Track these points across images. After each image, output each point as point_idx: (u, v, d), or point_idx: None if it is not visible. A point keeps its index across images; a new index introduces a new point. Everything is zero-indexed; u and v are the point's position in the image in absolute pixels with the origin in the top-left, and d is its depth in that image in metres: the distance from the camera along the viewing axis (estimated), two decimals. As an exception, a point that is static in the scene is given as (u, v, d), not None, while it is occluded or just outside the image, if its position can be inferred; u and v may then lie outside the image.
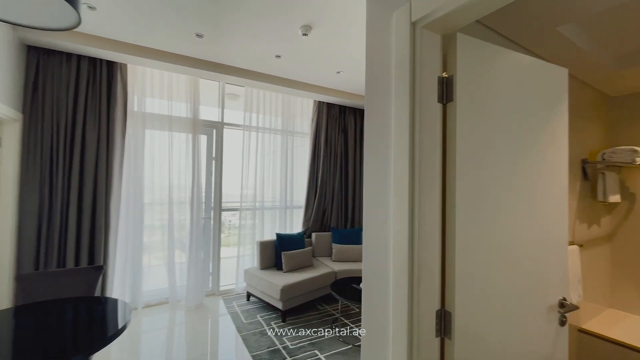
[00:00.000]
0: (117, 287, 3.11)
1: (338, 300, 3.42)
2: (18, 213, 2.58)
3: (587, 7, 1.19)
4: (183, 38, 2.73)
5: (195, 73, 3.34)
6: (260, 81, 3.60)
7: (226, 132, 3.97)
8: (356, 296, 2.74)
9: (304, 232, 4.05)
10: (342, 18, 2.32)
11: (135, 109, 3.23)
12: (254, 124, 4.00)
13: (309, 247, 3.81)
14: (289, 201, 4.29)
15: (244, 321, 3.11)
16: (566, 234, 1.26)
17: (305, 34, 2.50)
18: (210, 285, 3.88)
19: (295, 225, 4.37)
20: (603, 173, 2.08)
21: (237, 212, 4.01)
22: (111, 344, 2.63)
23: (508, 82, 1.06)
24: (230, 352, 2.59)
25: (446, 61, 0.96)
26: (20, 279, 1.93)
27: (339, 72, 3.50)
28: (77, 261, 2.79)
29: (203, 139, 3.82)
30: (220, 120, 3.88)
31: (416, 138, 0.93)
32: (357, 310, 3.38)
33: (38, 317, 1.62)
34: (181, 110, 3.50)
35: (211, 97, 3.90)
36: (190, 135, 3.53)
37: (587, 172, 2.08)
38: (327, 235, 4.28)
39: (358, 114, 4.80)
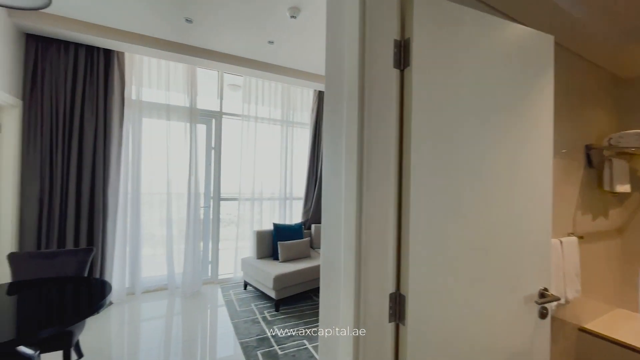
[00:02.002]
0: (116, 272, 3.18)
1: (333, 291, 3.38)
2: (19, 198, 2.67)
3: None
4: (174, 24, 2.72)
5: (189, 61, 3.34)
6: (257, 69, 3.56)
7: (225, 122, 3.97)
8: (347, 287, 2.68)
9: (303, 224, 4.02)
10: (332, -1, 2.24)
11: (133, 98, 3.27)
12: (252, 114, 3.98)
13: (307, 238, 3.78)
14: (289, 192, 4.26)
15: (238, 309, 3.12)
16: (549, 224, 1.15)
17: (293, 16, 2.42)
18: (209, 274, 3.92)
19: (294, 217, 4.34)
20: (610, 160, 1.92)
21: (236, 202, 4.02)
22: (107, 327, 2.70)
23: (479, 50, 0.97)
24: (219, 338, 2.60)
25: (404, 23, 0.88)
26: (12, 259, 1.99)
27: (336, 59, 3.41)
28: (76, 245, 2.87)
29: (201, 128, 3.84)
30: (219, 110, 3.88)
31: (367, 107, 0.86)
32: (353, 302, 3.32)
33: (28, 292, 1.66)
34: (179, 99, 3.52)
35: (211, 87, 3.90)
36: (188, 125, 3.55)
37: (592, 159, 1.92)
38: (326, 226, 4.23)
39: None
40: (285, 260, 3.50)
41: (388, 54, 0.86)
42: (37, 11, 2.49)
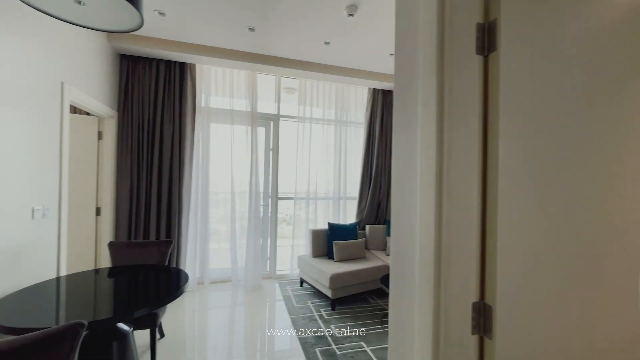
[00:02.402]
0: (189, 263, 3.53)
1: (388, 294, 3.27)
2: (115, 196, 3.13)
3: None
4: (238, 32, 2.92)
5: (251, 67, 3.54)
6: (312, 71, 3.62)
7: (282, 124, 4.13)
8: (407, 291, 2.57)
9: (357, 224, 3.97)
10: (391, -8, 2.16)
11: (202, 105, 3.59)
12: (308, 115, 4.07)
13: (362, 239, 3.73)
14: (343, 192, 4.25)
15: (295, 305, 3.22)
16: None
17: (351, 15, 2.40)
18: (267, 269, 4.12)
19: (348, 217, 4.32)
20: None
21: (292, 202, 4.15)
22: (182, 312, 3.00)
23: (590, 29, 0.82)
24: (278, 331, 2.70)
25: (488, 5, 0.79)
26: (111, 246, 2.33)
27: (391, 54, 3.30)
28: (157, 236, 3.26)
29: (261, 131, 4.05)
30: (276, 113, 4.05)
31: (447, 101, 0.79)
32: (411, 307, 3.18)
33: (123, 277, 1.94)
34: (241, 104, 3.77)
35: (268, 91, 4.10)
36: (249, 128, 3.77)
37: None
38: (381, 228, 4.12)
39: (418, 100, 4.46)
40: (341, 260, 3.49)
41: (470, 40, 0.79)
42: (130, 34, 2.88)
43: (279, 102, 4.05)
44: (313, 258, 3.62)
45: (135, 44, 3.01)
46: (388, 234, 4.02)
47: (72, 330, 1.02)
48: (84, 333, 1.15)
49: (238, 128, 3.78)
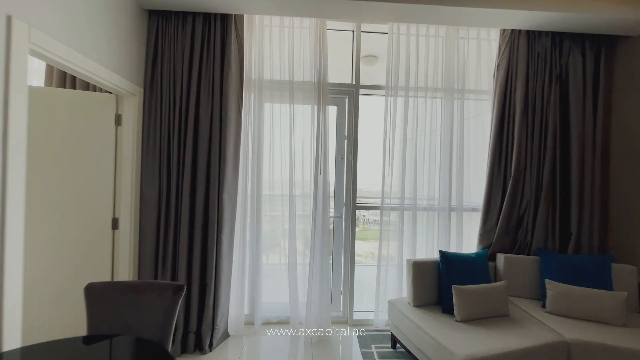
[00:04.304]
0: (235, 295, 2.53)
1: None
2: (139, 202, 2.30)
3: None
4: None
5: (317, 12, 2.35)
6: (411, 2, 2.23)
7: (363, 100, 2.85)
8: None
9: (485, 252, 2.43)
10: None
11: (253, 77, 2.56)
12: (401, 83, 2.70)
13: (501, 282, 2.17)
14: (456, 200, 2.74)
15: (389, 393, 1.89)
16: None
17: None
18: (341, 309, 2.88)
19: (465, 239, 2.77)
20: None
21: (377, 213, 2.83)
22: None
23: None
24: None
25: None
26: (90, 292, 1.39)
27: None
28: (189, 259, 2.32)
29: (332, 111, 2.85)
30: (354, 83, 2.79)
31: None
32: None
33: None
34: (305, 73, 2.62)
35: (342, 58, 2.87)
36: (315, 107, 2.60)
37: None
38: (528, 261, 2.48)
39: (591, 45, 2.65)
40: (467, 320, 2.02)
41: None
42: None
43: (357, 67, 2.78)
44: (415, 309, 2.23)
45: (161, -10, 2.13)
46: (545, 273, 2.35)
47: None
48: None
49: (300, 108, 2.64)
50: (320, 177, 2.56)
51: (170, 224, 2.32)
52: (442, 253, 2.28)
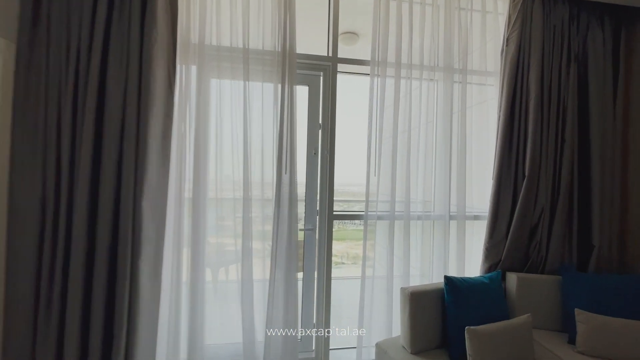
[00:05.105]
0: (163, 340, 1.81)
1: None
2: (6, 218, 1.52)
3: None
4: None
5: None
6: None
7: (342, 79, 2.24)
8: None
9: (499, 274, 1.90)
10: None
11: (192, 40, 1.86)
12: (390, 58, 2.11)
13: (525, 318, 1.63)
14: (457, 206, 2.20)
15: None
16: None
17: None
18: (313, 347, 2.24)
19: (468, 254, 2.23)
20: None
21: (360, 222, 2.22)
22: None
23: None
24: None
25: None
26: None
27: None
28: (85, 304, 1.56)
29: (302, 92, 2.20)
30: (330, 55, 2.16)
31: None
32: None
33: None
34: (265, 39, 1.96)
35: (315, 28, 2.25)
36: (279, 87, 1.94)
37: None
38: (548, 282, 1.98)
39: (611, 20, 2.22)
40: (487, 376, 1.46)
41: None
42: None
43: (335, 35, 2.16)
44: (413, 357, 1.63)
45: None
46: (569, 298, 1.85)
47: None
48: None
49: (258, 87, 1.97)
50: (286, 176, 1.91)
51: (59, 247, 1.55)
52: (448, 280, 1.70)
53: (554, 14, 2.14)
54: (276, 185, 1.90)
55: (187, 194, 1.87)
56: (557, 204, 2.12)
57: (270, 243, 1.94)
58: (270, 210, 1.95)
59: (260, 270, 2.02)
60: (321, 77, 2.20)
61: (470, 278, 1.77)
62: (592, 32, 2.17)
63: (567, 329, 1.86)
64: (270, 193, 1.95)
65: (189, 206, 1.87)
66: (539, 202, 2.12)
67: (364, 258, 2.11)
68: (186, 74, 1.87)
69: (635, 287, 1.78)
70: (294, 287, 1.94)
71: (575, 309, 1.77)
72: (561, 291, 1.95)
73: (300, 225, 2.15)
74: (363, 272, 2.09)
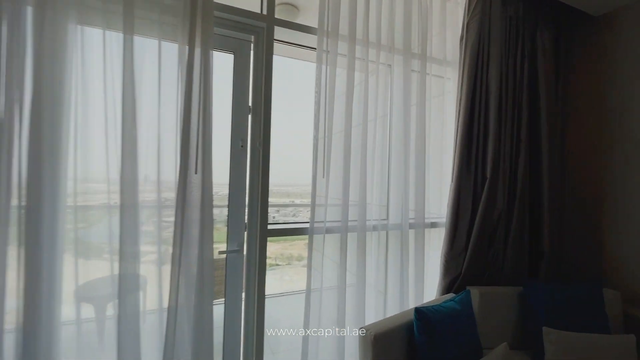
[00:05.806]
0: None
1: None
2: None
3: None
4: None
5: None
6: None
7: (281, 51, 1.70)
8: None
9: (468, 294, 1.61)
10: None
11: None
12: (343, 30, 1.67)
13: (502, 347, 1.35)
14: (416, 212, 1.88)
15: None
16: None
17: None
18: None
19: (428, 268, 1.93)
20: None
21: (303, 238, 1.72)
22: None
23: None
24: None
25: None
26: None
27: None
28: None
29: (224, 61, 1.59)
30: (265, 13, 1.60)
31: None
32: None
33: None
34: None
35: None
36: (186, 49, 1.31)
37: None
38: (509, 294, 1.79)
39: (554, 22, 2.18)
40: None
41: None
42: None
43: (271, -8, 1.62)
44: None
45: None
46: (533, 312, 1.67)
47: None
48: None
49: (153, 45, 1.31)
50: (196, 177, 1.28)
51: None
52: (418, 312, 1.32)
53: (510, 3, 1.98)
54: (179, 188, 1.26)
55: (17, 201, 1.10)
56: (514, 208, 1.96)
57: (170, 268, 1.29)
58: (170, 222, 1.30)
59: (155, 308, 1.35)
60: (252, 43, 1.62)
61: (440, 306, 1.42)
62: (540, 29, 2.09)
63: (531, 345, 1.67)
64: (171, 198, 1.30)
65: (18, 219, 1.10)
66: (497, 207, 1.94)
67: (309, 284, 1.61)
68: (21, 14, 1.11)
69: (587, 295, 1.69)
70: (206, 339, 1.33)
71: (544, 327, 1.58)
72: (522, 304, 1.77)
73: (222, 246, 1.54)
74: (308, 305, 1.59)
